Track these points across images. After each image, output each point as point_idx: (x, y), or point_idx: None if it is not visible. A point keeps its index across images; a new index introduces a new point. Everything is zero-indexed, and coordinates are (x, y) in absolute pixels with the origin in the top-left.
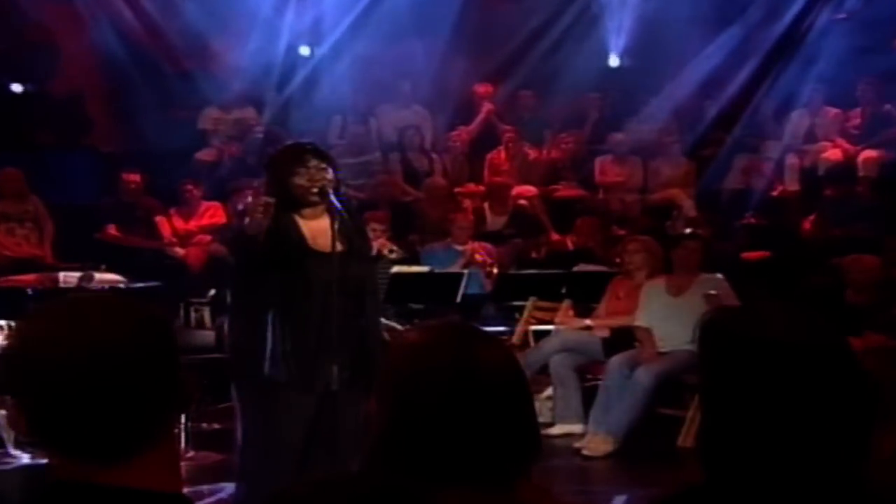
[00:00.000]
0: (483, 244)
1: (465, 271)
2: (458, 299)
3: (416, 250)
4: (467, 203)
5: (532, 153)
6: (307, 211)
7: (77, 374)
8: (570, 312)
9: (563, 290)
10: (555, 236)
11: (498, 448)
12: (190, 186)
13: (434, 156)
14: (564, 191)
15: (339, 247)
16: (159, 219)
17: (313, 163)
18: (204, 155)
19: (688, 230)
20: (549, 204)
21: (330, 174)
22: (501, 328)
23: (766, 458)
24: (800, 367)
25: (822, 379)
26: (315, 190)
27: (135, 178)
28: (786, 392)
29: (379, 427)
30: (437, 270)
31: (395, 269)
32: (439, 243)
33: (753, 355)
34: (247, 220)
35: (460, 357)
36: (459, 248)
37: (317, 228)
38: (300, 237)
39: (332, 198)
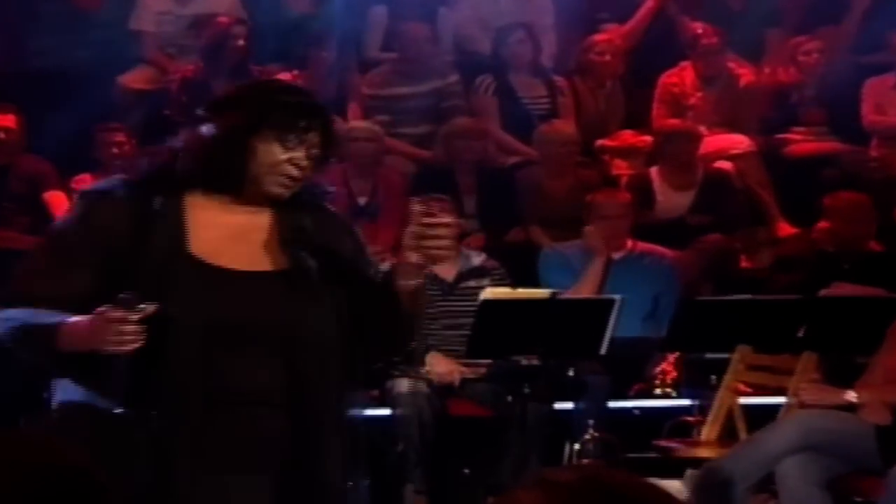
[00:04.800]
0: (645, 244)
1: (616, 297)
2: (604, 349)
3: (525, 256)
4: (620, 167)
5: (744, 73)
6: (226, 198)
7: None
8: (816, 375)
9: (801, 333)
10: (786, 228)
11: None
12: (115, 136)
13: (557, 80)
14: (805, 143)
15: (269, 262)
16: (52, 195)
17: (310, 135)
18: (134, 79)
19: None
20: (774, 168)
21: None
22: (683, 402)
23: None
24: None
25: None
26: (290, 182)
27: (7, 120)
28: None
29: None
30: (564, 294)
31: (489, 292)
32: (568, 244)
33: None
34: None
35: None
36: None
37: (229, 225)
38: (175, 236)
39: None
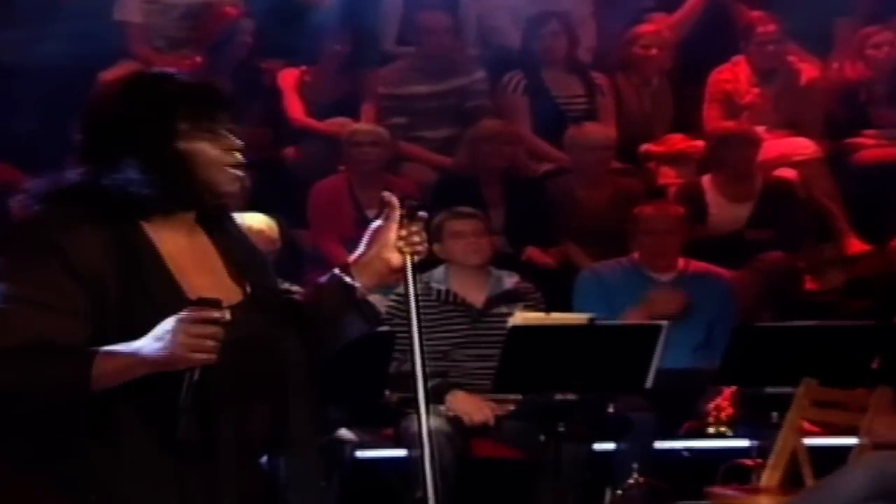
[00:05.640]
0: (697, 263)
1: (663, 322)
2: (650, 382)
3: (561, 277)
4: (668, 175)
5: (807, 67)
6: (158, 219)
7: None
8: (893, 412)
9: (876, 365)
10: (857, 245)
11: None
12: None
13: (596, 76)
14: (878, 149)
15: (237, 291)
16: None
17: (222, 115)
18: (118, 76)
19: None
20: (843, 176)
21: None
22: (740, 442)
23: None
24: None
25: None
26: (238, 170)
27: None
28: None
29: None
30: (603, 320)
31: (518, 317)
32: (609, 262)
33: None
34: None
35: None
36: (653, 273)
37: (187, 254)
38: (164, 274)
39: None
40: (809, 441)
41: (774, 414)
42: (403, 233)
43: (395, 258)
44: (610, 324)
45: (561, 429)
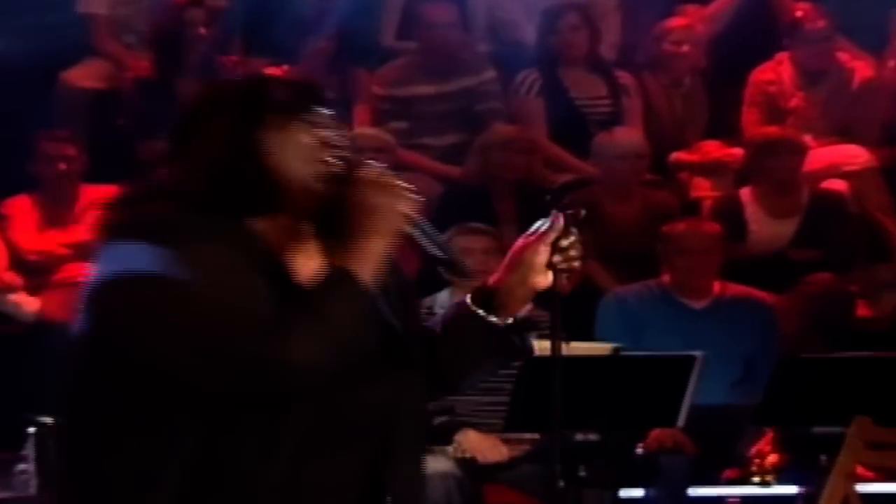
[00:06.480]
0: (736, 287)
1: (697, 354)
2: (682, 421)
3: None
4: (702, 188)
5: (861, 68)
6: (262, 218)
7: None
8: None
9: None
10: None
11: None
12: (63, 148)
13: (621, 76)
14: None
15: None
16: None
17: (326, 116)
18: (82, 75)
19: None
20: None
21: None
22: (787, 489)
23: None
24: None
25: None
26: (339, 163)
27: None
28: None
29: None
30: (629, 351)
31: (535, 345)
32: (635, 286)
33: None
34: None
35: None
36: (685, 299)
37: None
38: (270, 259)
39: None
40: (863, 487)
41: (823, 457)
42: (563, 243)
43: (542, 281)
44: (637, 355)
45: (582, 473)
